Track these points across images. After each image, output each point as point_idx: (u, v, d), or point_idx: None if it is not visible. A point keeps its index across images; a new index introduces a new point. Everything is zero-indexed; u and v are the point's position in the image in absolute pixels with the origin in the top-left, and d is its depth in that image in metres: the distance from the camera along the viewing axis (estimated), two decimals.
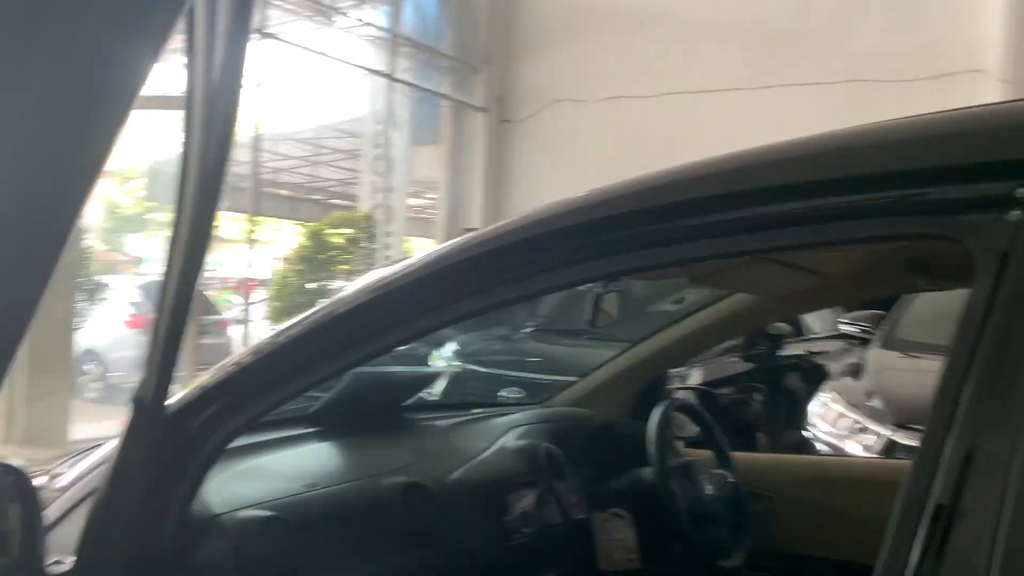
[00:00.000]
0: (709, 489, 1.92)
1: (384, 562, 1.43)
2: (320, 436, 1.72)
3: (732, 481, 2.01)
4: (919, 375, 4.01)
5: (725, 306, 2.12)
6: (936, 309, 4.42)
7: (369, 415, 1.85)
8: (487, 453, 1.80)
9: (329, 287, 11.53)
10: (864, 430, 3.71)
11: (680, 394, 2.38)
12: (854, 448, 3.74)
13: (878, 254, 1.82)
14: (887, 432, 3.52)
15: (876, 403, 3.74)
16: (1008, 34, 8.47)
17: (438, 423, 1.98)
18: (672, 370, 2.48)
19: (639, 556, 1.86)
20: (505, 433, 1.93)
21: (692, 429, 2.13)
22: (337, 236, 11.69)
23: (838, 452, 3.78)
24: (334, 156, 15.43)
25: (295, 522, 1.34)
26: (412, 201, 13.28)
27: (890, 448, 3.47)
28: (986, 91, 8.47)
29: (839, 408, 3.91)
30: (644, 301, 4.15)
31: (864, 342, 5.18)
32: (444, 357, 5.51)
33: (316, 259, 11.46)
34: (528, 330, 5.85)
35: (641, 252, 1.01)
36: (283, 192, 16.57)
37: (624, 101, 10.57)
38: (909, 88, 8.83)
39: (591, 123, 10.73)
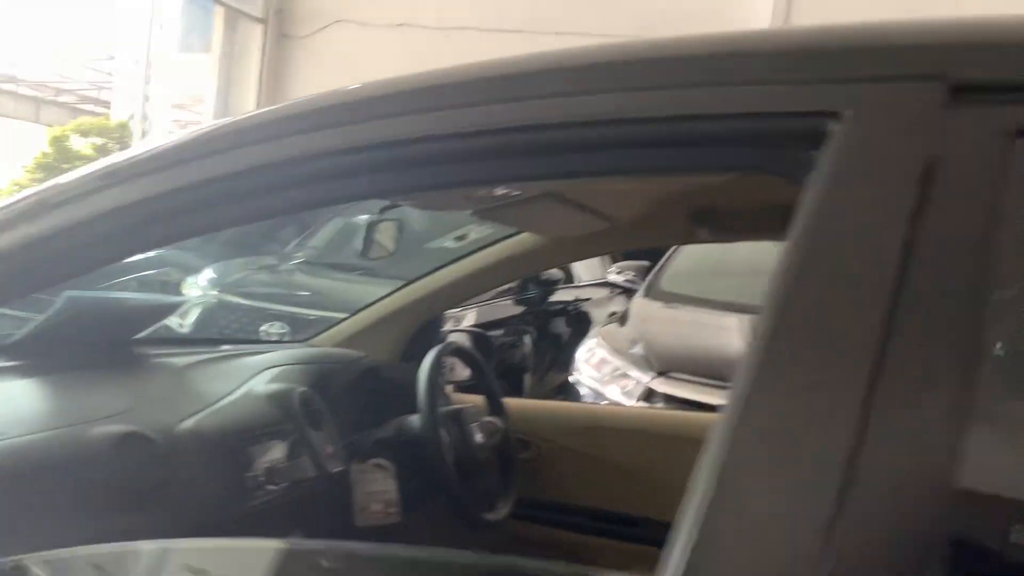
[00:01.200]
0: (478, 437, 1.80)
1: (88, 528, 1.17)
2: (19, 372, 1.40)
3: (502, 428, 1.91)
4: (679, 325, 4.17)
5: (507, 246, 2.00)
6: (696, 263, 4.62)
7: (89, 348, 1.54)
8: (230, 398, 1.56)
9: None
10: (625, 376, 3.79)
11: (454, 337, 2.25)
12: (614, 393, 3.83)
13: (666, 203, 1.76)
14: (646, 379, 3.61)
15: (638, 350, 3.84)
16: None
17: (176, 361, 1.70)
18: (447, 311, 2.33)
19: (400, 510, 1.71)
20: (255, 375, 1.69)
21: (464, 374, 2.00)
22: (85, 145, 10.54)
23: (600, 397, 3.86)
24: (89, 56, 13.84)
25: None
26: (176, 114, 12.19)
27: (648, 395, 3.56)
28: None
29: (603, 354, 3.98)
30: (424, 236, 3.97)
31: (629, 292, 5.35)
32: (199, 286, 5.06)
33: (59, 169, 10.29)
34: (297, 261, 5.51)
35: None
36: (23, 90, 14.68)
37: (410, 29, 10.22)
38: None
39: (374, 48, 10.30)
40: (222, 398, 1.55)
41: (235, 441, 1.42)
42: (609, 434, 2.14)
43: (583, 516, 2.07)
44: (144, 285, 5.85)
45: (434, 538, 1.91)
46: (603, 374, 3.89)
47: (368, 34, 10.37)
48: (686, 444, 2.08)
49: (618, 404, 3.60)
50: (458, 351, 1.90)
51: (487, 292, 3.97)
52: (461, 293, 2.21)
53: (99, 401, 1.40)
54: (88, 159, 10.55)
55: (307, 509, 1.56)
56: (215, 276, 5.08)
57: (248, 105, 10.76)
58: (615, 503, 2.07)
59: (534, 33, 9.74)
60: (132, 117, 10.41)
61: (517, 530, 1.95)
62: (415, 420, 1.77)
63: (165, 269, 6.01)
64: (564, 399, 4.42)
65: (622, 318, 4.37)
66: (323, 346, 2.12)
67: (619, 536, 2.06)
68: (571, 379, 4.10)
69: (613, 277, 5.44)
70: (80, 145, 10.55)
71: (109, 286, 5.82)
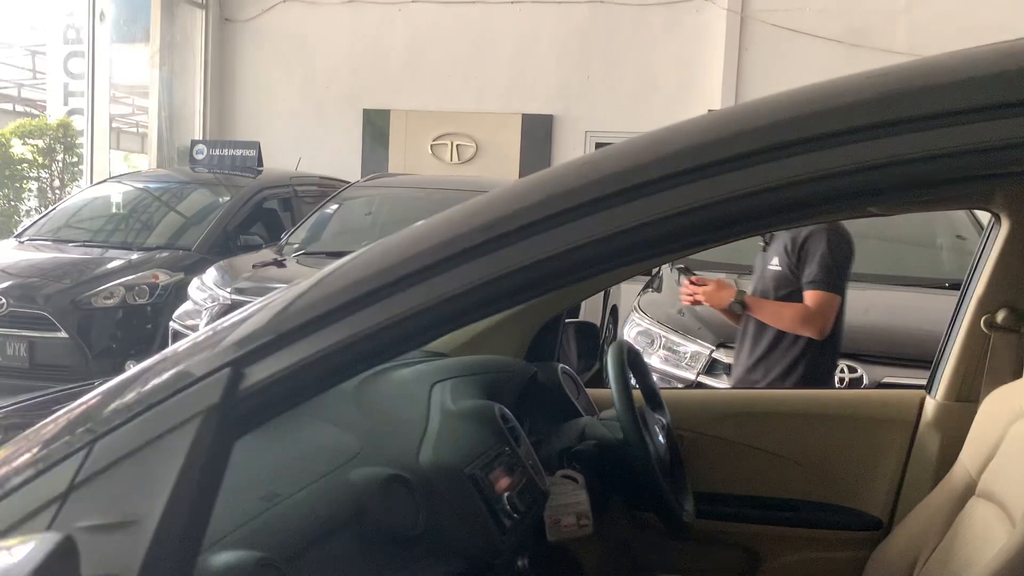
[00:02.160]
0: (660, 436, 1.73)
1: None
2: None
3: (667, 424, 1.84)
4: None
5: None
6: None
7: None
8: (435, 421, 1.44)
9: (21, 206, 9.91)
10: (672, 347, 3.75)
11: (575, 325, 2.16)
12: (656, 362, 3.78)
13: None
14: (706, 351, 3.57)
15: (685, 318, 3.79)
16: None
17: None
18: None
19: (592, 521, 1.62)
20: (430, 391, 1.58)
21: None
22: (26, 147, 10.02)
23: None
24: (12, 52, 13.11)
25: (285, 556, 0.93)
26: (118, 108, 11.65)
27: (711, 365, 3.53)
28: (714, 20, 9.00)
29: (646, 324, 3.93)
30: None
31: None
32: (205, 287, 4.84)
33: (1, 175, 9.76)
34: (296, 253, 5.32)
35: None
36: None
37: (361, 5, 9.92)
38: (644, 13, 9.16)
39: (325, 26, 9.99)
40: (426, 423, 1.43)
41: (474, 470, 1.31)
42: (748, 419, 2.09)
43: (740, 504, 2.02)
44: (131, 290, 5.60)
45: (629, 548, 1.84)
46: (651, 346, 3.84)
47: (316, 12, 10.03)
48: (823, 423, 2.04)
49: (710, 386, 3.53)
50: (630, 348, 1.81)
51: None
52: (587, 288, 2.12)
53: (322, 441, 1.28)
54: (31, 163, 10.00)
55: (525, 534, 1.46)
56: (220, 276, 4.86)
57: (194, 96, 10.33)
58: (768, 488, 2.03)
59: (489, 3, 9.55)
60: (72, 115, 9.93)
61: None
62: (597, 424, 1.69)
63: (150, 271, 5.75)
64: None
65: (658, 287, 4.32)
66: (443, 349, 2.01)
67: (777, 521, 2.01)
68: None
69: None
70: (20, 148, 10.03)
71: (94, 294, 5.55)
